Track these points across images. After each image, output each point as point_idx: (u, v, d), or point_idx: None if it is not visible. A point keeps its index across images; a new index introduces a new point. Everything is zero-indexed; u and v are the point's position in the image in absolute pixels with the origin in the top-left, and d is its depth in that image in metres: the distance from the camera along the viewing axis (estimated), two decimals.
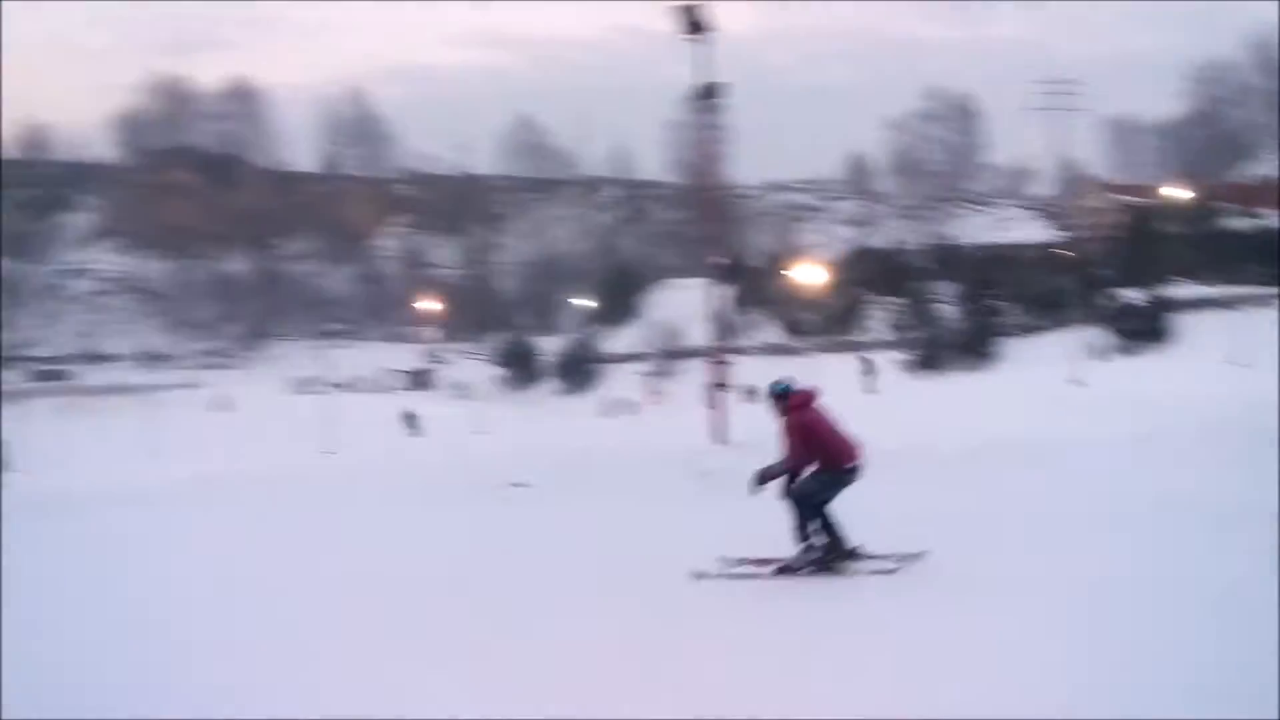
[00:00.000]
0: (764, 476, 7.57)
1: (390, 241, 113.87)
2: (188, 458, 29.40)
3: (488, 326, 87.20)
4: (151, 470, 25.15)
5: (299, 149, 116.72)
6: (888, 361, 43.87)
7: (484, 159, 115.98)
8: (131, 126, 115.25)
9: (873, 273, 60.90)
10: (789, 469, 7.45)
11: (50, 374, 77.87)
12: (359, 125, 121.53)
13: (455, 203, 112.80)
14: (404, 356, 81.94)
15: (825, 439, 7.54)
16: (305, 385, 63.89)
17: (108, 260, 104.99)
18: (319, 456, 28.77)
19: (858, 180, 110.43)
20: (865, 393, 31.43)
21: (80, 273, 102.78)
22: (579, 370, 66.05)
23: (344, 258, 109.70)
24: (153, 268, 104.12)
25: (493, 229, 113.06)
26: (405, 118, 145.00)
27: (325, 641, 7.03)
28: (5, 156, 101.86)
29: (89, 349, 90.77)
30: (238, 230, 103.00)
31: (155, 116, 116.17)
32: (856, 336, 53.34)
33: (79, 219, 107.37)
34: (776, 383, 7.83)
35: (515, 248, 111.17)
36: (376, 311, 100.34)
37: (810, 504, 7.51)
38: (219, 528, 13.53)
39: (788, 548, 7.75)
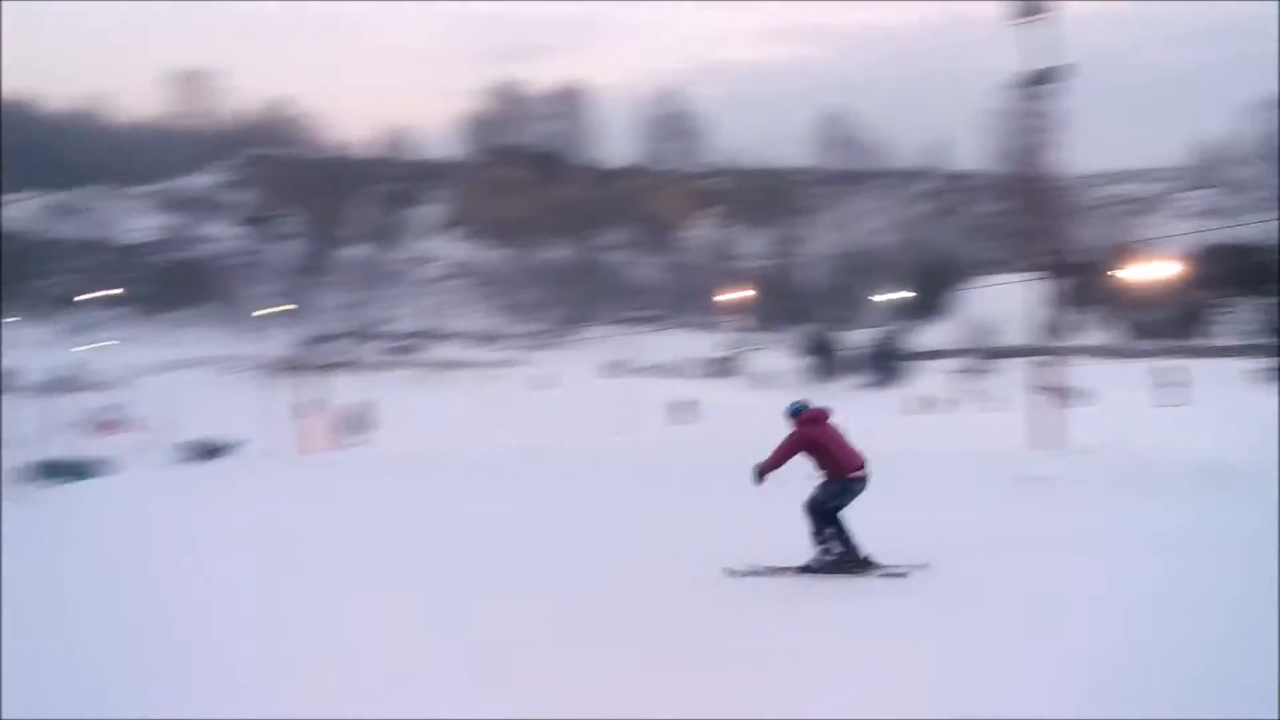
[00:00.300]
0: (758, 472, 8.25)
1: (699, 233, 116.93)
2: (511, 430, 31.84)
3: (792, 318, 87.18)
4: (481, 439, 27.45)
5: (617, 145, 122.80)
6: (1239, 370, 39.04)
7: (793, 152, 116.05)
8: (472, 127, 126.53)
9: (1225, 271, 54.39)
10: (766, 466, 8.19)
11: (401, 348, 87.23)
12: (673, 122, 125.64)
13: (764, 196, 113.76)
14: (708, 344, 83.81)
15: (832, 450, 8.29)
16: (615, 368, 67.02)
17: (450, 249, 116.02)
18: (617, 436, 30.09)
19: (1209, 168, 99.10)
20: (1170, 404, 28.13)
21: (427, 260, 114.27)
22: (885, 365, 64.39)
23: (655, 248, 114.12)
24: (487, 256, 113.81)
25: (801, 222, 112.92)
26: (717, 113, 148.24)
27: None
28: (369, 156, 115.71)
29: (433, 327, 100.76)
30: (560, 222, 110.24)
31: (493, 117, 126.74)
32: (1205, 340, 47.90)
33: (428, 212, 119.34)
34: (795, 402, 8.73)
35: (823, 240, 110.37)
36: (684, 300, 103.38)
37: (821, 511, 8.28)
38: (545, 494, 14.53)
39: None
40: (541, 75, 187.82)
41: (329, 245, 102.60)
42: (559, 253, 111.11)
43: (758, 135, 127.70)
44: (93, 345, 68.10)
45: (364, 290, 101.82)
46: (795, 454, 8.18)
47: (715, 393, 58.11)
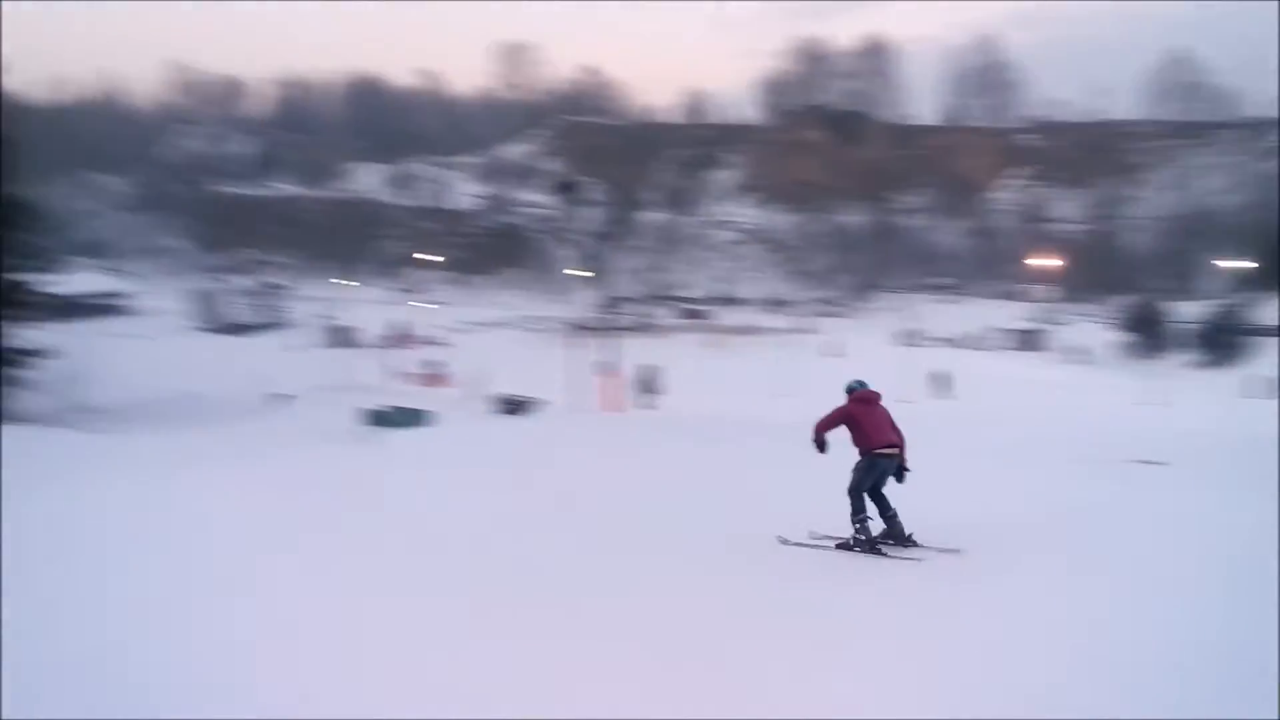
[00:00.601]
0: (816, 442, 9.18)
1: (1008, 194, 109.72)
2: (799, 397, 31.55)
3: (1112, 288, 79.91)
4: (770, 406, 27.39)
5: (922, 102, 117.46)
6: None
7: (1124, 103, 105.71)
8: (771, 88, 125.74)
9: None
10: (815, 434, 9.21)
11: (693, 313, 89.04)
12: (985, 74, 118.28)
13: (1084, 152, 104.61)
14: (1014, 315, 78.75)
15: (865, 428, 9.18)
16: (909, 338, 64.65)
17: (744, 213, 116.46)
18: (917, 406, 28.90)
19: None
20: None
21: (722, 224, 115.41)
22: (1223, 342, 57.50)
23: (958, 211, 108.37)
24: (781, 220, 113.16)
25: (1127, 179, 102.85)
26: (1034, 64, 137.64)
27: None
28: (670, 121, 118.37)
29: (724, 292, 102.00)
30: (858, 184, 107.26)
31: (792, 78, 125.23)
32: None
33: (725, 176, 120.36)
34: (854, 381, 9.63)
35: (1153, 200, 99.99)
36: (987, 267, 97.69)
37: (857, 491, 9.08)
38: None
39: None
40: (844, 31, 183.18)
41: (630, 210, 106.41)
42: (855, 217, 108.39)
43: (1080, 86, 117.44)
44: (421, 303, 75.05)
45: (660, 255, 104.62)
46: (838, 424, 9.19)
47: (1017, 367, 54.48)
